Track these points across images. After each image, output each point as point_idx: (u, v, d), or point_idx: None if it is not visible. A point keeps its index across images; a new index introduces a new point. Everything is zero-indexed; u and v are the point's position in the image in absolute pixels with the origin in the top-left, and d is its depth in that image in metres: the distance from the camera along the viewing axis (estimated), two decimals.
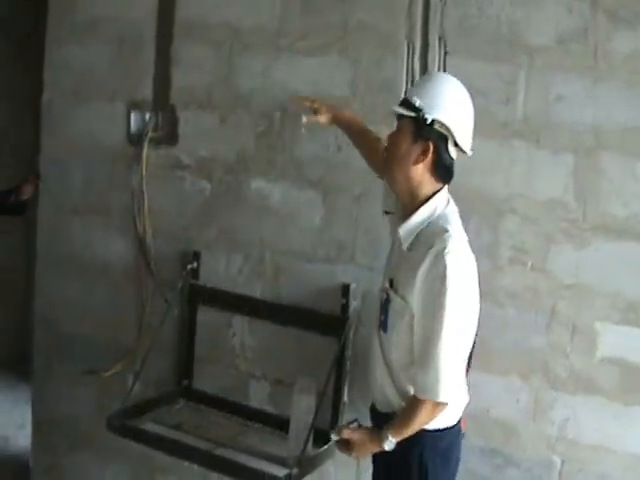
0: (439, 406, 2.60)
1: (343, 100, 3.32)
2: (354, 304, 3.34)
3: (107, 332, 4.03)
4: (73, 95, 4.03)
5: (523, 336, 3.04)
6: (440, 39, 3.12)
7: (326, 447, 3.26)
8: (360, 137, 3.12)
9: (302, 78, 3.41)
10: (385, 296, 2.74)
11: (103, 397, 4.03)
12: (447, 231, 2.57)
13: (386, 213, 2.92)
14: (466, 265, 2.58)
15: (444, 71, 3.09)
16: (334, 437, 2.81)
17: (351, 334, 3.34)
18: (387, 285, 2.74)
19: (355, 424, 2.81)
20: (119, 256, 3.97)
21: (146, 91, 3.80)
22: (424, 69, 3.16)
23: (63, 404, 4.22)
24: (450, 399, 2.60)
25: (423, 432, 2.67)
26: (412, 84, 3.14)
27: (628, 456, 2.95)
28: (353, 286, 3.33)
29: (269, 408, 3.61)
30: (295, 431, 3.23)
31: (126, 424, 3.39)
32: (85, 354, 4.10)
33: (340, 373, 3.36)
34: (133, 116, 3.82)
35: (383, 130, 3.20)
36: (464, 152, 2.64)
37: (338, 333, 3.31)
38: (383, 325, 2.74)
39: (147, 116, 3.78)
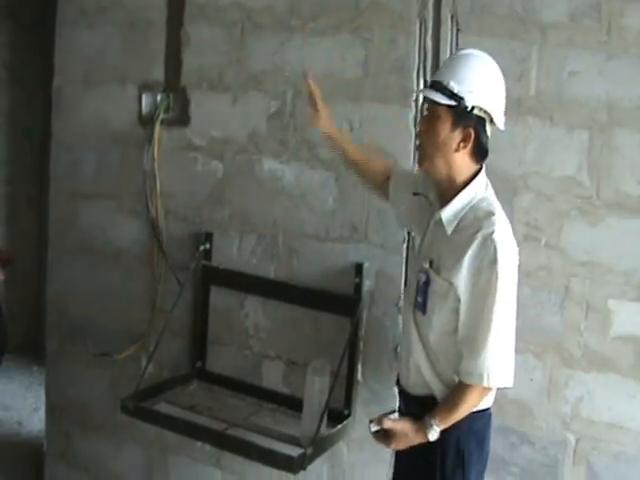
0: (487, 390, 2.60)
1: (356, 81, 3.32)
2: (367, 283, 3.34)
3: (120, 315, 4.04)
4: (84, 79, 4.03)
5: (537, 315, 3.04)
6: (452, 17, 3.10)
7: (340, 427, 3.29)
8: (356, 158, 3.08)
9: (314, 59, 3.40)
10: (424, 277, 2.68)
11: (117, 380, 4.04)
12: (494, 214, 2.56)
13: (414, 194, 2.89)
14: (513, 247, 2.57)
15: (456, 49, 3.08)
16: (374, 428, 2.73)
17: (364, 314, 3.35)
18: (427, 266, 2.68)
19: (395, 414, 2.76)
20: (131, 239, 3.97)
21: (157, 73, 3.80)
22: (436, 48, 3.15)
23: (77, 387, 4.23)
24: (500, 383, 2.59)
25: None
26: (442, 64, 3.04)
27: None
28: (366, 265, 3.33)
29: (283, 389, 3.62)
30: (309, 411, 3.24)
31: (140, 406, 3.40)
32: (98, 337, 4.11)
33: (353, 353, 3.36)
34: (144, 98, 3.82)
35: (396, 110, 3.23)
36: (498, 128, 2.63)
37: (351, 313, 3.32)
38: (421, 306, 2.69)
39: (158, 98, 3.77)
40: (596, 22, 2.87)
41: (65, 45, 4.09)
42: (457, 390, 2.61)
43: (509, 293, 2.54)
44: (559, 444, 3.07)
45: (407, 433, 2.66)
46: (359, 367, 3.39)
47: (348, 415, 3.39)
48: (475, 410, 2.65)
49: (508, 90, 2.93)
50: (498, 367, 2.55)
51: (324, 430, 3.20)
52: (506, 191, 3.02)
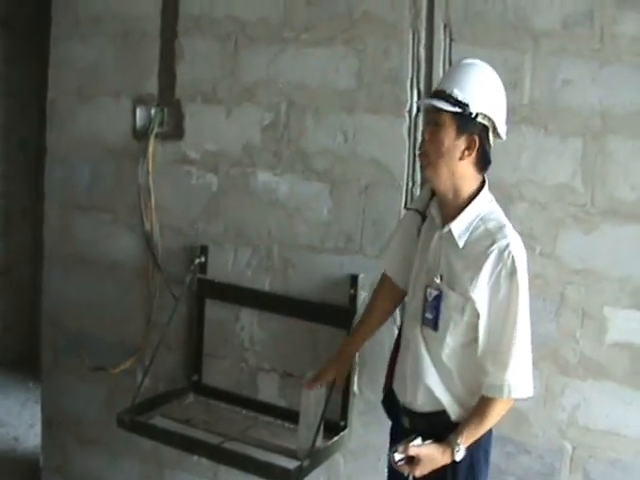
0: (511, 402, 2.59)
1: (349, 91, 3.33)
2: (362, 295, 3.33)
3: (115, 329, 4.03)
4: (78, 92, 4.03)
5: (532, 322, 2.99)
6: (445, 26, 3.11)
7: (336, 439, 3.28)
8: (375, 324, 3.15)
9: (308, 70, 3.41)
10: (436, 292, 2.64)
11: (112, 394, 4.03)
12: (505, 226, 2.56)
13: (408, 209, 2.88)
14: (525, 259, 2.56)
15: (449, 59, 3.10)
16: (398, 456, 2.61)
17: None
18: (438, 281, 2.64)
19: (418, 440, 2.63)
20: (126, 252, 3.96)
21: (151, 86, 3.80)
22: (430, 57, 3.15)
23: (72, 402, 4.22)
24: (525, 394, 2.58)
25: None
26: (443, 74, 3.09)
27: (639, 441, 2.94)
28: (361, 277, 3.33)
29: (279, 401, 3.61)
30: (305, 424, 3.21)
31: (136, 420, 3.39)
32: (93, 351, 4.10)
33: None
34: (139, 111, 3.82)
35: (390, 120, 3.23)
36: (500, 138, 2.61)
37: (347, 324, 3.30)
38: (432, 323, 2.64)
39: (153, 111, 3.77)
40: (589, 30, 2.87)
41: (59, 58, 4.08)
42: (483, 405, 2.59)
43: (526, 303, 2.54)
44: (556, 452, 3.06)
45: (433, 457, 2.60)
46: (355, 378, 3.38)
47: (344, 427, 3.38)
48: None
49: None
50: (523, 378, 2.54)
51: (320, 442, 3.18)
52: (500, 200, 2.99)
